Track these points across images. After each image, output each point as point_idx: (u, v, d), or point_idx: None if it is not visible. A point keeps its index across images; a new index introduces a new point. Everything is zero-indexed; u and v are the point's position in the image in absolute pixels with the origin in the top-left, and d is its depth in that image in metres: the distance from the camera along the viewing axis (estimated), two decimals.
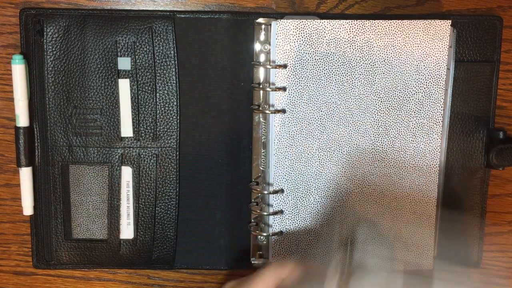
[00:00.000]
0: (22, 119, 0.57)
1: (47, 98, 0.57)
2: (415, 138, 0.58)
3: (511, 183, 0.63)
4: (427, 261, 0.61)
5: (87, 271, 0.62)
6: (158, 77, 0.58)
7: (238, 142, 0.59)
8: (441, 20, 0.57)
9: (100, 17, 0.56)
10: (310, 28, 0.56)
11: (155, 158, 0.59)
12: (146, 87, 0.58)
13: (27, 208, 0.58)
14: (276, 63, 0.56)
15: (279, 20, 0.55)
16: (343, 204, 0.59)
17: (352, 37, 0.56)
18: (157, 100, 0.58)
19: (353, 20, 0.56)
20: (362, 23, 0.56)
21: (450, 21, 0.57)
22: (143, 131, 0.58)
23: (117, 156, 0.58)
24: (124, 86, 0.58)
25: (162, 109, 0.58)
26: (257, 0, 0.58)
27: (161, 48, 0.57)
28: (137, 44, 0.57)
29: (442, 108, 0.58)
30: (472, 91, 0.60)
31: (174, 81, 0.58)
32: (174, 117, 0.58)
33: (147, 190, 0.59)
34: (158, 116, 0.58)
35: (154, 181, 0.59)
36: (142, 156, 0.59)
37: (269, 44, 0.57)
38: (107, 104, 0.58)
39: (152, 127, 0.58)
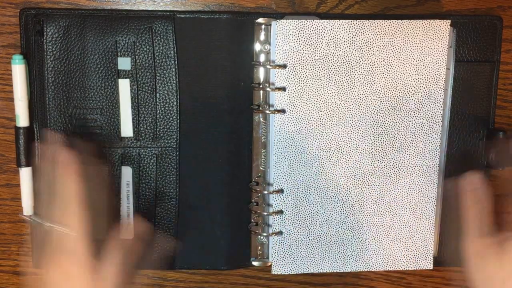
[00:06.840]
0: (22, 119, 0.57)
1: (47, 98, 0.57)
2: (415, 138, 0.58)
3: (511, 183, 0.63)
4: (427, 261, 0.61)
5: None
6: (158, 77, 0.58)
7: (238, 142, 0.59)
8: (441, 20, 0.57)
9: (100, 17, 0.56)
10: (310, 28, 0.56)
11: (155, 158, 0.59)
12: (146, 87, 0.58)
13: (27, 208, 0.58)
14: (276, 63, 0.56)
15: (279, 20, 0.55)
16: (343, 204, 0.59)
17: (352, 37, 0.56)
18: (157, 100, 0.58)
19: (353, 20, 0.56)
20: (362, 23, 0.56)
21: (450, 21, 0.57)
22: (143, 131, 0.58)
23: (117, 156, 0.58)
24: (124, 86, 0.58)
25: (162, 109, 0.58)
26: (257, 0, 0.58)
27: (161, 48, 0.57)
28: (137, 44, 0.57)
29: (442, 108, 0.58)
30: (472, 91, 0.60)
31: (174, 81, 0.58)
32: (174, 117, 0.58)
33: (147, 190, 0.59)
34: (158, 116, 0.58)
35: (154, 181, 0.59)
36: (142, 156, 0.59)
37: (269, 44, 0.57)
38: (107, 104, 0.57)
39: (152, 127, 0.58)
